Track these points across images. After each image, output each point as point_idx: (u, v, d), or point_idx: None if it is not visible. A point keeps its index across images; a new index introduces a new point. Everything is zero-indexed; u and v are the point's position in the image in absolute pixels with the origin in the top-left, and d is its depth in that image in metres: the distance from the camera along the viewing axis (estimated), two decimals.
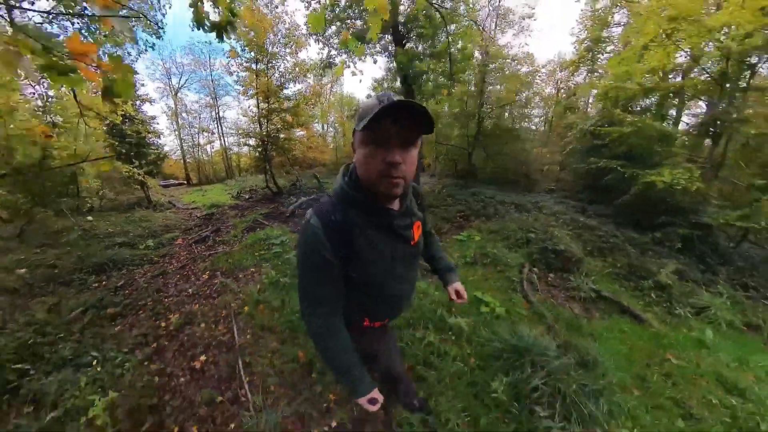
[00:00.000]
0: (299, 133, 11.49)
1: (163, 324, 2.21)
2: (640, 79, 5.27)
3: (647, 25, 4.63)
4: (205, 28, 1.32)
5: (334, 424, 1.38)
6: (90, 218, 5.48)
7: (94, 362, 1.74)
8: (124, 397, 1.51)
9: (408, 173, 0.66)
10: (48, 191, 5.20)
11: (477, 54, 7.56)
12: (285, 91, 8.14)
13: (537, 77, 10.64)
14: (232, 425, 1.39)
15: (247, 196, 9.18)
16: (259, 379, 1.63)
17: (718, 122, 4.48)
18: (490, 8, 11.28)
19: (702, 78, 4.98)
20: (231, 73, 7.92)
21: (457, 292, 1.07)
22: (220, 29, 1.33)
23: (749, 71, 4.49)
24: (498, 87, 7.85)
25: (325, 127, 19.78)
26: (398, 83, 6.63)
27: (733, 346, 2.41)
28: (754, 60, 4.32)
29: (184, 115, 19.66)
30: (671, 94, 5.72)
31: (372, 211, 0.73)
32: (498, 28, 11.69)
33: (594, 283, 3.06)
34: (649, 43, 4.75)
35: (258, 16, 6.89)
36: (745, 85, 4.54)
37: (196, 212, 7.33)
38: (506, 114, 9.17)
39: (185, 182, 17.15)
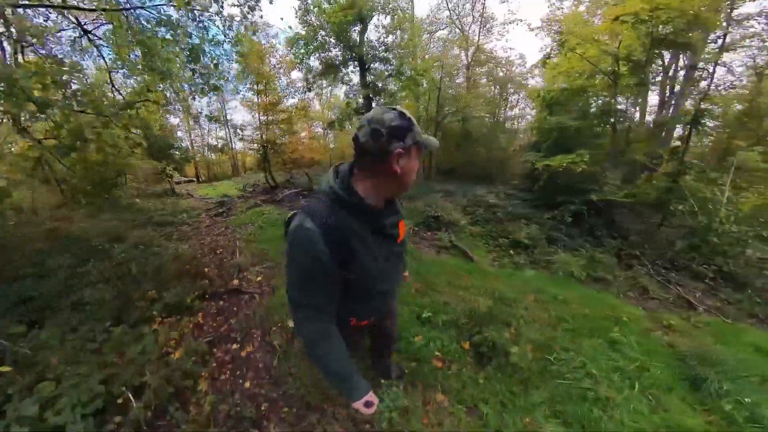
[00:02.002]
0: (302, 134, 13.91)
1: (202, 242, 4.48)
2: (566, 82, 6.93)
3: (569, 40, 6.42)
4: None
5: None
6: (138, 200, 7.87)
7: (177, 247, 4.01)
8: (192, 251, 3.75)
9: None
10: (105, 181, 7.61)
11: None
12: (281, 105, 10.50)
13: (525, 76, 12.69)
14: (235, 276, 3.62)
15: (251, 189, 11.54)
16: (244, 255, 3.87)
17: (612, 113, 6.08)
18: (474, 15, 13.44)
19: (599, 78, 6.56)
20: (237, 92, 10.33)
21: (404, 277, 1.35)
22: None
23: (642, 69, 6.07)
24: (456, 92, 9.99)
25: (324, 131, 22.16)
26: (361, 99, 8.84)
27: (551, 284, 3.58)
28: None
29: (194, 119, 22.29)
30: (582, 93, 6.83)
31: (366, 214, 0.79)
32: (482, 33, 13.56)
33: (455, 238, 5.17)
34: (567, 52, 6.55)
35: (257, 47, 9.29)
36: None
37: (210, 201, 9.70)
38: (486, 116, 11.12)
39: (195, 179, 19.67)
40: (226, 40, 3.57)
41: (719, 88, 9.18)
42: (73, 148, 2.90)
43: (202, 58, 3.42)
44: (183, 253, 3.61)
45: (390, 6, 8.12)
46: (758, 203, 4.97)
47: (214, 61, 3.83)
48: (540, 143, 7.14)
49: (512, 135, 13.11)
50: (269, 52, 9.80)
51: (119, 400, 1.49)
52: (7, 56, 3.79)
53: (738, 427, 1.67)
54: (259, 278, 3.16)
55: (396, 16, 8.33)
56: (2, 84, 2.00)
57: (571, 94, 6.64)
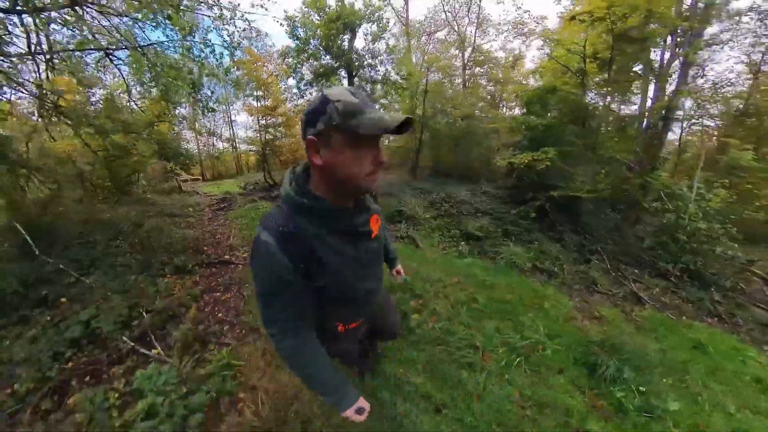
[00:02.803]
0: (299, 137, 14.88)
1: (204, 230, 5.43)
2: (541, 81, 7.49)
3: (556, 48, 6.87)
4: None
5: None
6: (149, 196, 8.92)
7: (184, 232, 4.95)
8: (196, 234, 4.69)
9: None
10: (121, 179, 8.68)
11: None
12: (279, 109, 11.46)
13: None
14: (227, 254, 4.53)
15: (251, 188, 12.54)
16: (236, 239, 4.78)
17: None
18: (470, 17, 14.23)
19: (568, 76, 6.78)
20: (238, 98, 11.32)
21: (398, 272, 1.41)
22: None
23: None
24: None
25: None
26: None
27: (488, 271, 3.91)
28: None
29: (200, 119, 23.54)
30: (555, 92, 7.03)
31: (329, 216, 0.72)
32: (477, 34, 14.30)
33: (412, 229, 5.96)
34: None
35: (255, 56, 10.25)
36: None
37: (213, 197, 10.73)
38: (481, 116, 11.86)
39: (200, 178, 20.74)
40: (220, 70, 4.46)
41: (716, 86, 9.12)
42: (119, 156, 3.90)
43: (201, 89, 4.33)
44: (189, 236, 4.55)
45: (376, 14, 8.92)
46: (727, 199, 4.81)
47: (211, 90, 4.74)
48: (518, 142, 7.65)
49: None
50: (266, 59, 10.76)
51: (137, 318, 2.39)
52: (41, 72, 4.79)
53: (624, 413, 1.71)
54: (245, 255, 4.07)
55: (381, 25, 9.13)
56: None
57: (545, 93, 6.86)
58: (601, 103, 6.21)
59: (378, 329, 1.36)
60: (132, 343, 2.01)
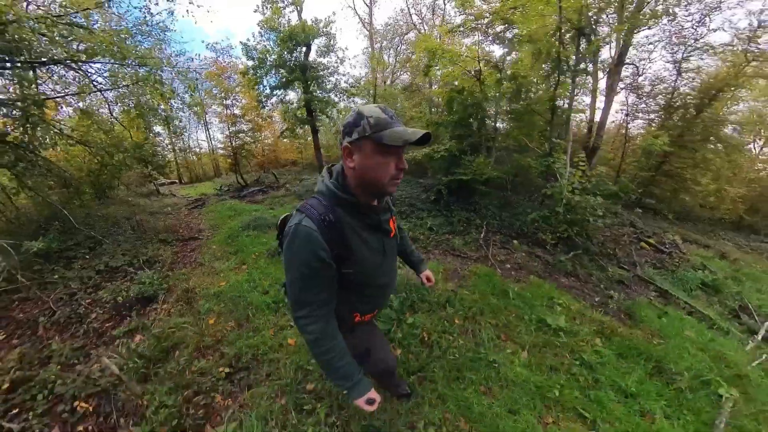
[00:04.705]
0: (269, 141, 16.42)
1: (179, 221, 7.03)
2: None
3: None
4: None
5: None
6: (130, 199, 10.34)
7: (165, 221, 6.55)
8: (174, 223, 6.30)
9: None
10: (101, 183, 10.08)
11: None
12: (246, 116, 12.98)
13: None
14: (197, 242, 6.17)
15: (225, 189, 14.01)
16: (204, 225, 6.41)
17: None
18: (435, 20, 15.87)
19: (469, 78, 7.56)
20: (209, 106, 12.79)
21: (428, 278, 1.43)
22: None
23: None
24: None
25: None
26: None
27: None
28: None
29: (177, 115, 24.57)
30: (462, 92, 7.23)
31: (362, 211, 0.89)
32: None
33: None
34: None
35: (221, 68, 11.77)
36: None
37: (189, 198, 12.19)
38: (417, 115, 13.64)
39: (177, 181, 20.55)
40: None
41: (645, 82, 10.83)
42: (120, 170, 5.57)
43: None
44: (169, 223, 6.22)
45: (326, 29, 10.50)
46: (603, 176, 5.74)
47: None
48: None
49: None
50: (233, 68, 12.27)
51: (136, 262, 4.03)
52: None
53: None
54: (208, 234, 5.72)
55: (332, 39, 10.78)
56: None
57: (456, 93, 7.27)
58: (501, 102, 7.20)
59: None
60: (133, 270, 3.68)
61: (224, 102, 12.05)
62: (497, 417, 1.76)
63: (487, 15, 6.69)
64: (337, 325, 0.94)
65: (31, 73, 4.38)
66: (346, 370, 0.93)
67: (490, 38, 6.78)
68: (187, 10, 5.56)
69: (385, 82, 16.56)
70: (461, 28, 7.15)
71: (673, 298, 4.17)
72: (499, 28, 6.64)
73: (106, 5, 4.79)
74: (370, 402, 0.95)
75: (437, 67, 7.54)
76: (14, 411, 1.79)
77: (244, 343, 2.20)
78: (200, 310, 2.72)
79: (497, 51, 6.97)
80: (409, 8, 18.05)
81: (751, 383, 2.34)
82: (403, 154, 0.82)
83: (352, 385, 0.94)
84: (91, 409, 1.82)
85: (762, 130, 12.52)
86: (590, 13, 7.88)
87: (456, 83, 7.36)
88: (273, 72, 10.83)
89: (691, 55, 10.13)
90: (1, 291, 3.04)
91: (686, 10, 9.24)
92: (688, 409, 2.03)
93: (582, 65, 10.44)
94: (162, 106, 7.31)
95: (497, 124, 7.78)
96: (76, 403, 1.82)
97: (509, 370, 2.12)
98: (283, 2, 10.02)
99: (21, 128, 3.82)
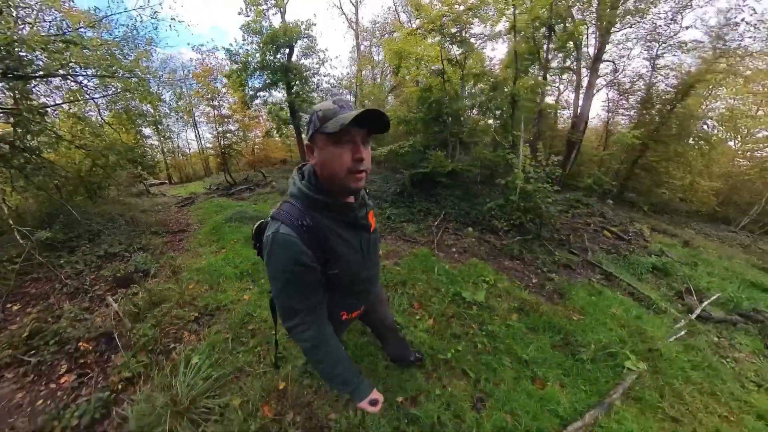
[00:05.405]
0: (258, 139, 17.00)
1: (170, 217, 7.69)
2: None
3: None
4: None
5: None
6: (122, 198, 10.94)
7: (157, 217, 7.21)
8: (165, 218, 6.97)
9: (368, 167, 0.82)
10: (91, 185, 10.67)
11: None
12: (234, 116, 13.57)
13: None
14: (185, 234, 6.85)
15: (214, 188, 14.61)
16: (192, 220, 7.08)
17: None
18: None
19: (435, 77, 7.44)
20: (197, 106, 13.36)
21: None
22: None
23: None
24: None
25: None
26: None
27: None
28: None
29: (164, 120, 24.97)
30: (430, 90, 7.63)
31: (337, 210, 0.87)
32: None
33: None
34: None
35: (207, 70, 12.34)
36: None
37: (179, 198, 12.80)
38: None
39: (167, 181, 20.73)
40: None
41: (625, 79, 11.51)
42: (115, 170, 6.21)
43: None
44: (160, 218, 6.88)
45: (307, 31, 11.07)
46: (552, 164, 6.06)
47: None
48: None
49: None
50: (218, 69, 12.83)
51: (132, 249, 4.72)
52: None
53: None
54: (195, 227, 6.40)
55: (313, 41, 11.38)
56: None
57: (424, 92, 7.76)
58: (466, 101, 7.74)
59: (379, 320, 1.52)
60: (129, 254, 4.37)
61: (212, 103, 12.61)
62: (386, 370, 1.96)
63: (448, 15, 7.12)
64: (332, 329, 0.95)
65: (31, 84, 5.02)
66: (344, 377, 0.95)
67: (449, 40, 7.25)
68: (170, 26, 6.18)
69: (375, 80, 17.15)
70: (419, 31, 7.53)
71: (616, 280, 4.22)
72: (454, 29, 7.07)
73: (98, 25, 5.40)
74: (373, 403, 0.98)
75: (405, 68, 8.11)
76: (32, 352, 2.47)
77: (213, 298, 2.91)
78: (183, 279, 3.42)
79: (455, 50, 7.47)
80: (396, 6, 18.61)
81: (662, 357, 2.35)
82: (362, 145, 0.79)
83: (353, 389, 0.96)
84: (90, 348, 2.52)
85: (741, 127, 12.95)
86: (558, 11, 8.50)
87: (423, 81, 7.81)
88: (257, 74, 11.44)
89: (664, 52, 10.79)
90: (18, 272, 3.72)
91: (658, 9, 9.78)
92: (586, 379, 2.07)
93: (557, 62, 11.21)
94: (150, 110, 7.94)
95: (461, 119, 8.31)
96: (79, 343, 2.52)
97: (410, 333, 2.31)
98: (266, 4, 10.57)
99: (28, 135, 4.46)
